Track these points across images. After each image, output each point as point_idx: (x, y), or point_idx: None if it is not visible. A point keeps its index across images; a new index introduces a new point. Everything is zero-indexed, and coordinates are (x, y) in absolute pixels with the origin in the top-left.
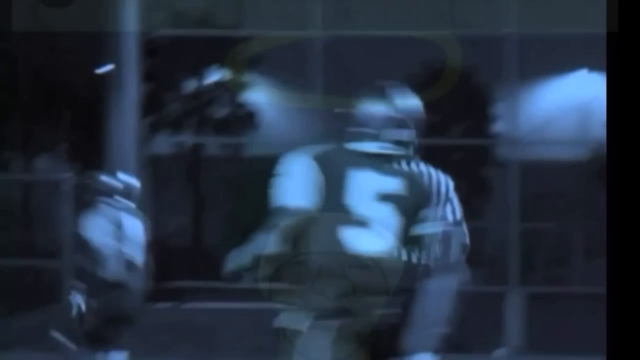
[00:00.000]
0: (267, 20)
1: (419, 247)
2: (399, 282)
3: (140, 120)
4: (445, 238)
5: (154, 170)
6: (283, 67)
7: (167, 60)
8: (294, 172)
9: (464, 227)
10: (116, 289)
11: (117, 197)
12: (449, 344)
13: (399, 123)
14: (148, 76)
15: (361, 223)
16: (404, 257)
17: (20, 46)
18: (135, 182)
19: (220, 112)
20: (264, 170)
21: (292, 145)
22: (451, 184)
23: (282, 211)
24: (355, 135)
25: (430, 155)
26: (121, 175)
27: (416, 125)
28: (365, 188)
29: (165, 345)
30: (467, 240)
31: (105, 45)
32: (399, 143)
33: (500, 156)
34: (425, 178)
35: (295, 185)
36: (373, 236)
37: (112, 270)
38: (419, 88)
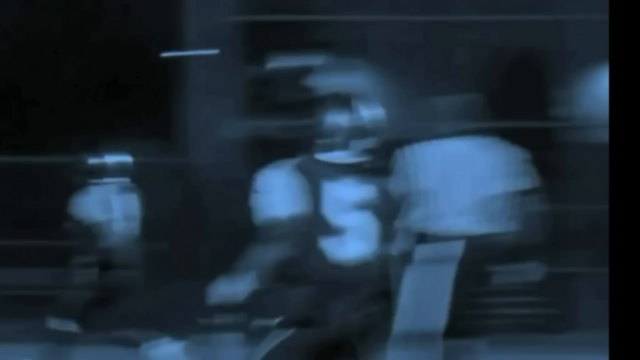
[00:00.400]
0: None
1: (395, 253)
2: (375, 288)
3: (216, 104)
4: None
5: (229, 154)
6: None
7: (244, 45)
8: (276, 184)
9: (537, 197)
10: (116, 265)
11: (114, 175)
12: (520, 326)
13: (365, 132)
14: (225, 60)
15: (337, 232)
16: (381, 263)
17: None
18: (128, 159)
19: (297, 96)
20: None
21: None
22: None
23: (271, 223)
24: (324, 146)
25: (503, 138)
26: (115, 154)
27: (381, 132)
28: (339, 197)
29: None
30: (540, 208)
31: (180, 29)
32: (366, 151)
33: (574, 139)
34: (401, 182)
35: (280, 196)
36: (350, 244)
37: (112, 247)
38: (493, 73)
